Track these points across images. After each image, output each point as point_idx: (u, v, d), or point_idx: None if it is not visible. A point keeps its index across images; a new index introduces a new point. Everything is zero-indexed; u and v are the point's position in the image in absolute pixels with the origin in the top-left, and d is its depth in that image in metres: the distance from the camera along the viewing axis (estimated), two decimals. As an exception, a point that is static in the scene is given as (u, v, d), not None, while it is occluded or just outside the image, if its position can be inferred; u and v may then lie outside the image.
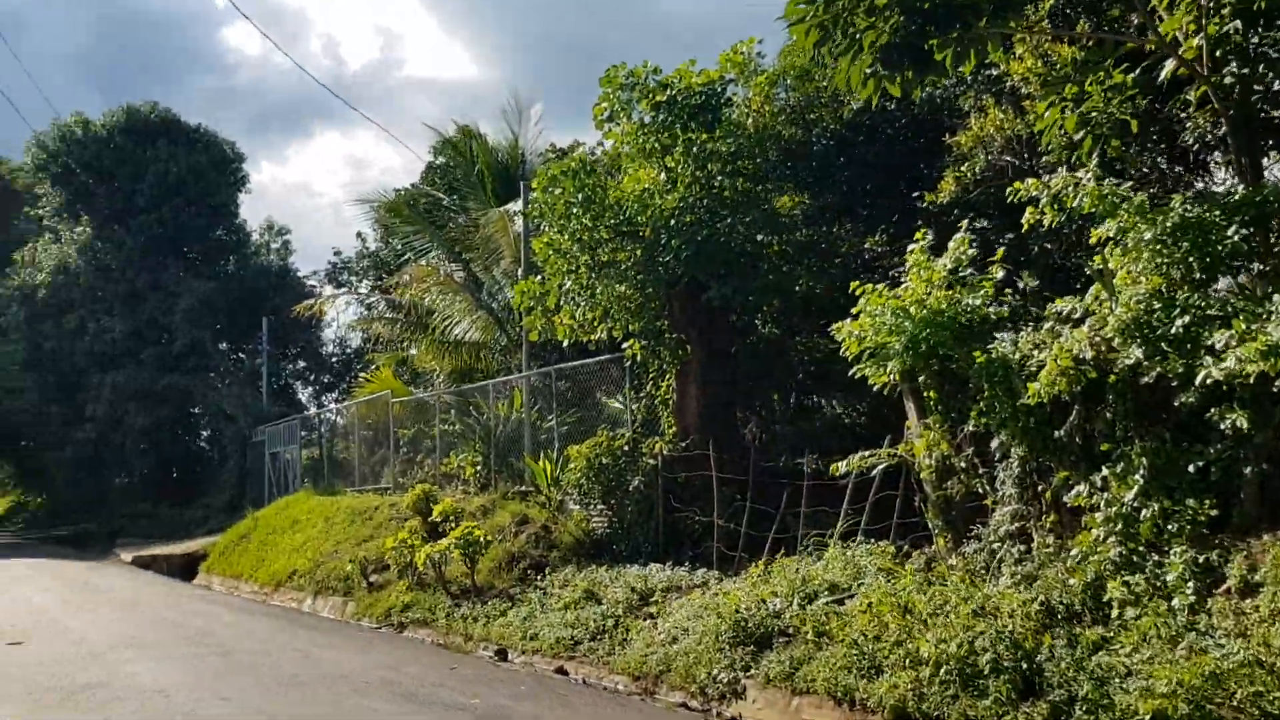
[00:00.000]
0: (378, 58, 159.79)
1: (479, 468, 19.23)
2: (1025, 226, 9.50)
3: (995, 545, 9.31)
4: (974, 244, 10.19)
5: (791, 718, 8.50)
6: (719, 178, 14.74)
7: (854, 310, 10.46)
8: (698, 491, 14.39)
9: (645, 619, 11.47)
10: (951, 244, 10.18)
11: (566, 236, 14.93)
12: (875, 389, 10.75)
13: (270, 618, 14.80)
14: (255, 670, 9.75)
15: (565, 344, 16.55)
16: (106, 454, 37.01)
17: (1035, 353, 9.04)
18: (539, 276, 15.83)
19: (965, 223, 10.54)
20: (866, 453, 10.80)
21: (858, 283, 10.79)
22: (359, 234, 38.49)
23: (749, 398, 16.10)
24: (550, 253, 15.13)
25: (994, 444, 9.40)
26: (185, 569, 24.89)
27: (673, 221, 14.19)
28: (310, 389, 40.15)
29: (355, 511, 20.77)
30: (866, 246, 15.19)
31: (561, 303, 15.45)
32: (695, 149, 14.49)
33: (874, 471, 11.05)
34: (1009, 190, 9.46)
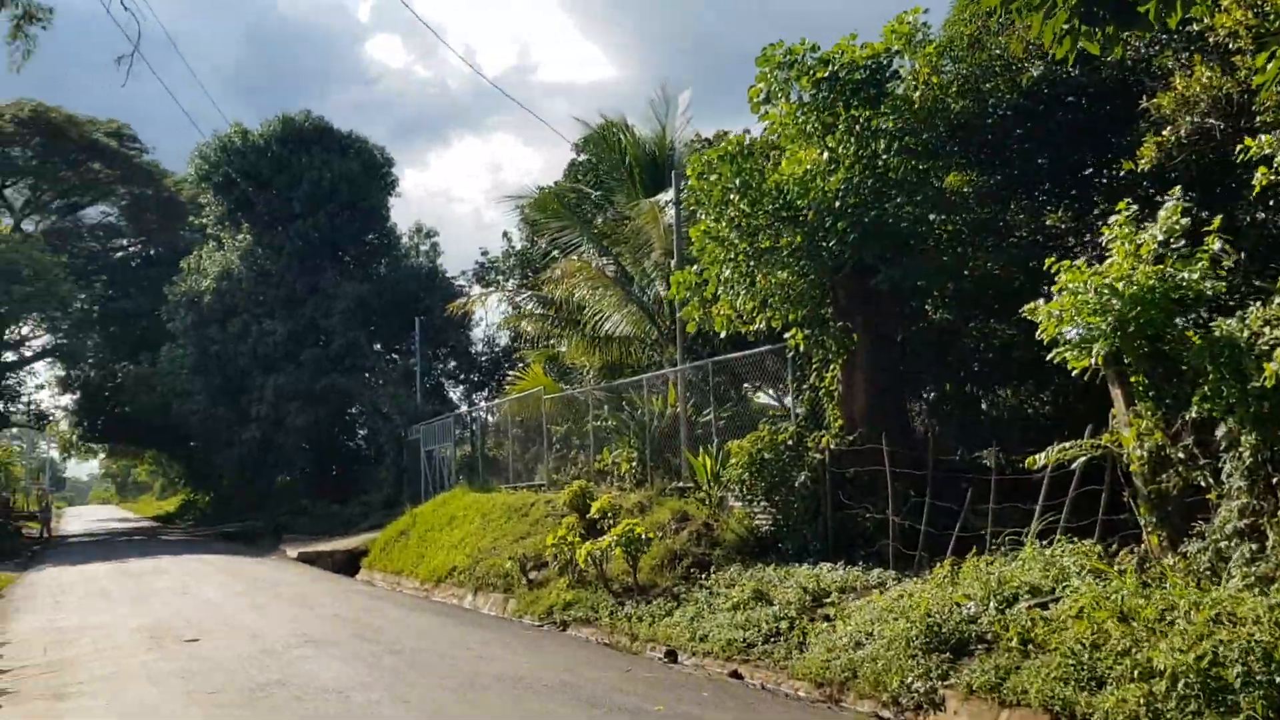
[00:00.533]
0: (515, 64, 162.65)
1: (634, 464, 18.91)
2: (1257, 189, 8.52)
3: (1222, 544, 8.38)
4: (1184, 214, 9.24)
5: (1000, 731, 7.80)
6: (885, 156, 13.96)
7: (1054, 288, 9.62)
8: (867, 487, 13.68)
9: (821, 621, 10.86)
10: (1162, 213, 9.26)
11: (724, 224, 14.40)
12: (1061, 377, 9.88)
13: (436, 615, 14.76)
14: (431, 670, 9.56)
15: (722, 336, 16.05)
16: (269, 453, 38.34)
17: (1267, 330, 8.10)
18: (695, 266, 15.35)
19: (1177, 190, 9.57)
20: (1066, 444, 9.96)
21: (1053, 259, 9.93)
22: (505, 234, 38.93)
23: (918, 388, 15.28)
24: (707, 241, 14.62)
25: (1219, 432, 8.46)
26: (347, 564, 25.39)
27: (837, 204, 13.50)
28: (460, 388, 40.77)
29: (511, 508, 20.74)
30: (1048, 224, 14.17)
31: (719, 293, 14.93)
32: (859, 127, 13.75)
33: (1074, 465, 10.18)
34: (1238, 149, 8.50)
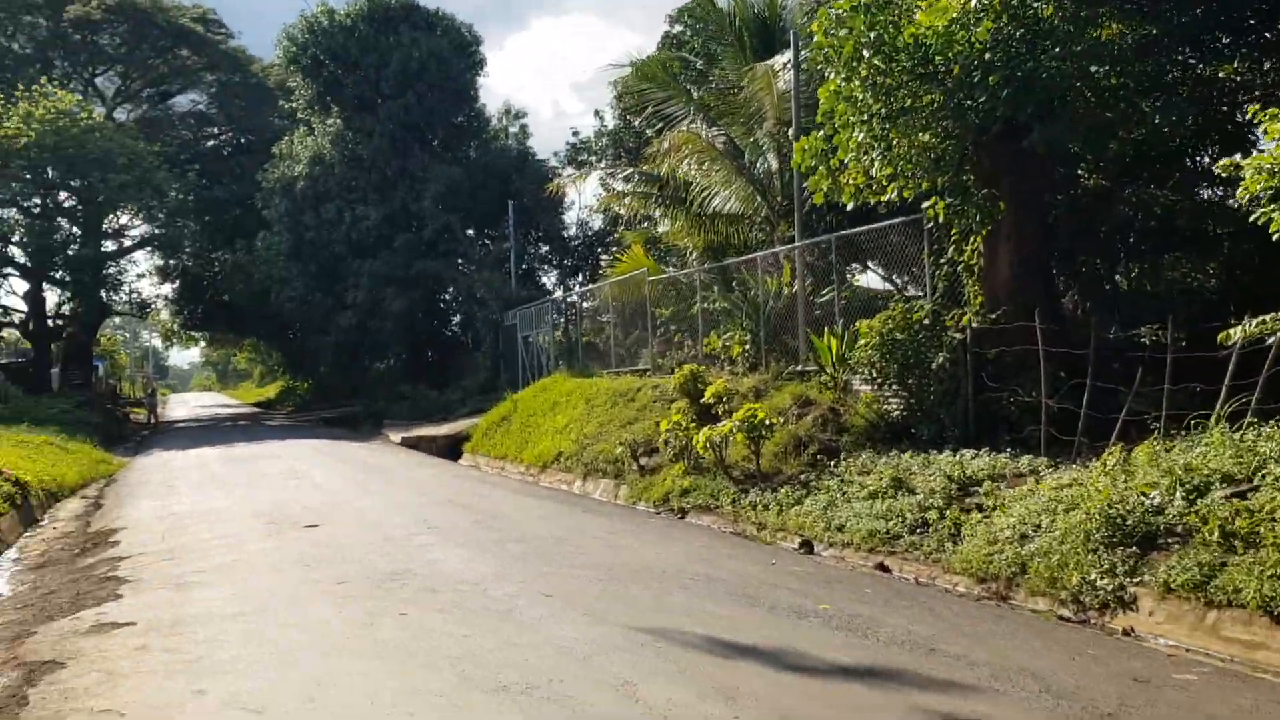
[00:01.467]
0: None
1: (747, 347, 18.08)
2: None
3: None
4: None
5: (1207, 635, 6.94)
6: (1036, 4, 12.52)
7: (1267, 138, 8.37)
8: (1011, 369, 12.66)
9: (972, 511, 10.04)
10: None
11: (856, 83, 13.16)
12: (1233, 247, 8.69)
13: (550, 501, 14.30)
14: (564, 561, 9.01)
15: (847, 208, 14.93)
16: (366, 339, 38.41)
17: None
18: (820, 132, 14.18)
19: None
20: (1265, 317, 8.83)
21: (1256, 107, 8.65)
22: (597, 113, 37.77)
23: (1069, 261, 14.07)
24: (837, 102, 13.40)
25: None
26: (449, 449, 25.27)
27: (986, 55, 12.17)
28: (554, 273, 40.16)
29: (616, 393, 20.16)
30: (1220, 76, 12.69)
31: (848, 160, 13.77)
32: (1009, -32, 12.30)
33: (1270, 340, 9.05)
34: None
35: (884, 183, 13.81)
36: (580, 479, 17.38)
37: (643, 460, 16.27)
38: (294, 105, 42.25)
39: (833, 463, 12.96)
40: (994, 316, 13.15)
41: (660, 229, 26.81)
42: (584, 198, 67.08)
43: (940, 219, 13.59)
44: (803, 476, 12.88)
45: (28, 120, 39.30)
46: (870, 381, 14.17)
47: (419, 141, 38.13)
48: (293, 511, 13.15)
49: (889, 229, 15.61)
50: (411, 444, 26.25)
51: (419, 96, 37.38)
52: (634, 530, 11.21)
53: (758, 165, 20.38)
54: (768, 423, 13.54)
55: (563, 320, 29.26)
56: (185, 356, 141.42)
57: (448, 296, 38.72)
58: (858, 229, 15.90)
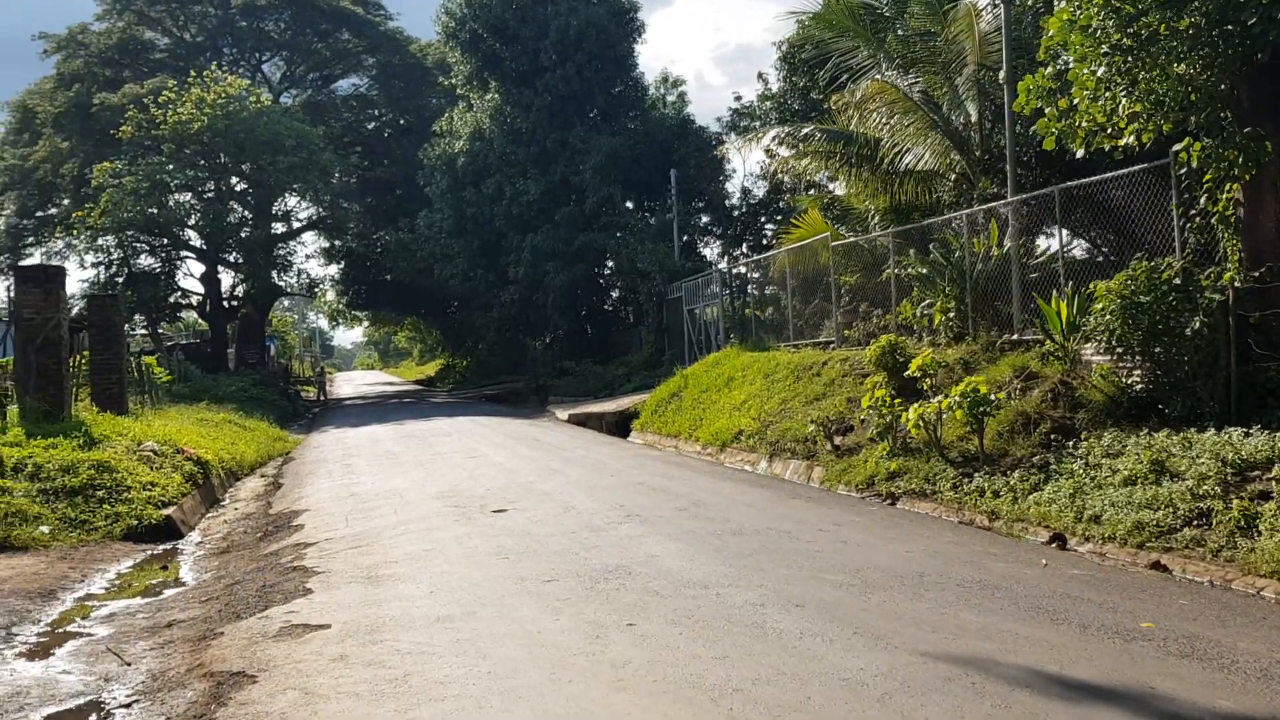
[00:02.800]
0: None
1: (950, 315, 16.47)
2: None
3: None
4: None
5: None
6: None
7: None
8: None
9: (1259, 500, 8.41)
10: None
11: (1093, 10, 11.43)
12: None
13: (745, 484, 13.10)
14: (796, 560, 7.78)
15: (1078, 155, 13.18)
16: (528, 314, 38.03)
17: None
18: (1048, 69, 12.49)
19: None
20: None
21: None
22: (760, 75, 36.15)
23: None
24: (1070, 33, 11.71)
25: None
26: (618, 426, 24.44)
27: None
28: (717, 243, 38.87)
29: (798, 368, 18.84)
30: None
31: (1084, 99, 12.04)
32: None
33: None
34: None
35: (1123, 125, 12.04)
36: (765, 459, 16.18)
37: (837, 439, 14.98)
38: (452, 82, 42.15)
39: (1070, 443, 11.36)
40: (1258, 275, 11.32)
41: (838, 191, 25.25)
42: (748, 165, 65.49)
43: (1194, 164, 11.76)
44: (1035, 459, 11.33)
45: (200, 106, 40.33)
46: (1107, 351, 12.41)
47: (578, 113, 37.36)
48: (476, 493, 12.35)
49: (1113, 181, 13.78)
50: (579, 421, 25.54)
51: (578, 67, 36.58)
52: (858, 521, 9.90)
53: (955, 117, 18.63)
54: (993, 399, 12.04)
55: (731, 291, 28.02)
56: (349, 336, 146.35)
57: (609, 270, 37.92)
58: (1085, 180, 14.09)
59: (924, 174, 19.80)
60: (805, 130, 20.57)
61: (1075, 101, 12.12)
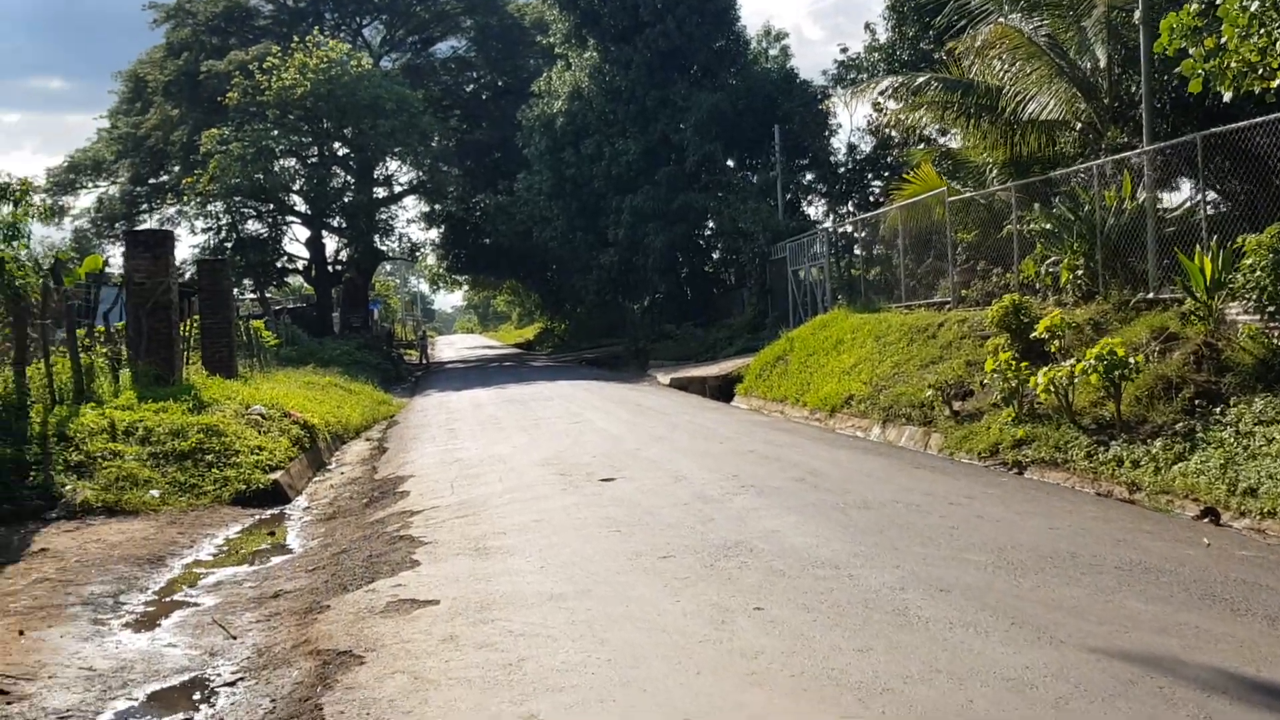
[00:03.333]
0: None
1: (1078, 273, 15.49)
2: None
3: None
4: None
5: None
6: None
7: None
8: None
9: None
10: None
11: (1255, -68, 10.38)
12: None
13: (861, 452, 12.49)
14: (932, 537, 7.19)
15: (1225, 99, 12.12)
16: (628, 276, 37.61)
17: None
18: (1193, 4, 11.46)
19: None
20: None
21: None
22: (867, 25, 34.75)
23: None
24: (1224, -36, 10.68)
25: None
26: (721, 390, 23.96)
27: None
28: (821, 202, 37.83)
29: (911, 329, 18.07)
30: None
31: (1233, 38, 11.01)
32: None
33: None
34: None
35: (1276, 65, 10.99)
36: (878, 425, 15.53)
37: (956, 405, 14.26)
38: (550, 41, 41.69)
39: (1217, 410, 10.50)
40: None
41: (952, 145, 24.14)
42: (854, 120, 63.92)
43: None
44: (1179, 426, 10.50)
45: (303, 71, 40.69)
46: (1257, 310, 11.45)
47: (678, 69, 36.55)
48: (581, 460, 11.99)
49: (1259, 127, 12.68)
50: (681, 385, 25.10)
51: (678, 21, 35.73)
52: (991, 493, 9.24)
53: (1082, 62, 17.48)
54: (1130, 361, 11.22)
55: (837, 251, 27.16)
56: (449, 300, 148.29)
57: (710, 231, 37.23)
58: (1232, 125, 12.98)
59: (1047, 124, 18.70)
60: (920, 80, 19.56)
61: (1224, 40, 11.10)
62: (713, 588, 6.03)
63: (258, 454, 12.67)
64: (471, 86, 56.00)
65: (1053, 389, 11.89)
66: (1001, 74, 18.02)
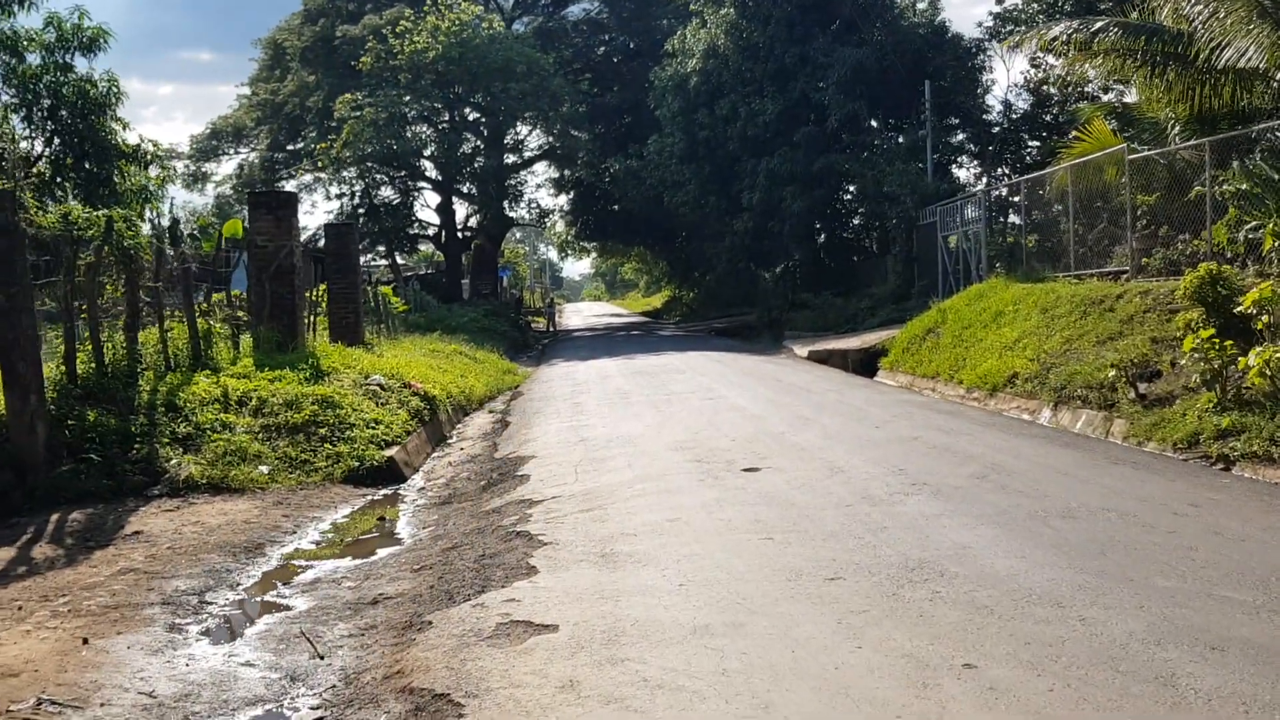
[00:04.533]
0: None
1: (1288, 239, 13.48)
2: None
3: None
4: None
5: None
6: None
7: None
8: None
9: None
10: None
11: None
12: None
13: (1046, 443, 10.84)
14: (1161, 558, 5.70)
15: None
16: (762, 243, 36.00)
17: None
18: None
19: None
20: None
21: None
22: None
23: None
24: None
25: None
26: (863, 365, 22.38)
27: None
28: (974, 164, 35.48)
29: (1084, 301, 16.24)
30: None
31: None
32: None
33: None
34: None
35: None
36: (1048, 407, 13.86)
37: (1141, 387, 12.55)
38: (685, -1, 40.22)
39: None
40: None
41: (1128, 99, 21.92)
42: (1011, 76, 60.52)
43: None
44: None
45: (434, 34, 40.24)
46: None
47: (820, 23, 34.58)
48: (719, 444, 10.77)
49: None
50: (820, 358, 23.61)
51: (820, -29, 33.80)
52: (1218, 500, 7.61)
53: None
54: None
55: (992, 216, 25.14)
56: (577, 268, 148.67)
57: (850, 195, 35.32)
58: None
59: (1244, 74, 16.51)
60: (1098, 25, 17.51)
61: None
62: (901, 629, 4.74)
63: (374, 428, 11.86)
64: (603, 49, 54.84)
65: (1268, 371, 10.17)
66: (1193, 15, 15.90)
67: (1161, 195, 17.59)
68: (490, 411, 17.32)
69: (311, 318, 19.99)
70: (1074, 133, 20.69)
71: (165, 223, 21.00)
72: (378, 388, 13.59)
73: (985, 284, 21.66)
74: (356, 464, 10.76)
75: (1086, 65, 18.43)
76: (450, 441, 14.14)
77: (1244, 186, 15.28)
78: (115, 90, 20.03)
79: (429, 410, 14.28)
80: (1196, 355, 11.29)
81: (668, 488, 8.51)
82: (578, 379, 20.87)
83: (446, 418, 15.41)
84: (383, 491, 10.36)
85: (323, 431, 11.27)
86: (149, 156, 20.93)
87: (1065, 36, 18.09)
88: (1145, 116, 20.57)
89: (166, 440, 10.21)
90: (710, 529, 6.96)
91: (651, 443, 11.18)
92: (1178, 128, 19.29)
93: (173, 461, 9.86)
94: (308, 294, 20.57)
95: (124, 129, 20.74)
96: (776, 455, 9.80)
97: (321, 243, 28.84)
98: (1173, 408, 11.56)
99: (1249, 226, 14.60)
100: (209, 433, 10.55)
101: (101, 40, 20.09)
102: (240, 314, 16.05)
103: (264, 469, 10.17)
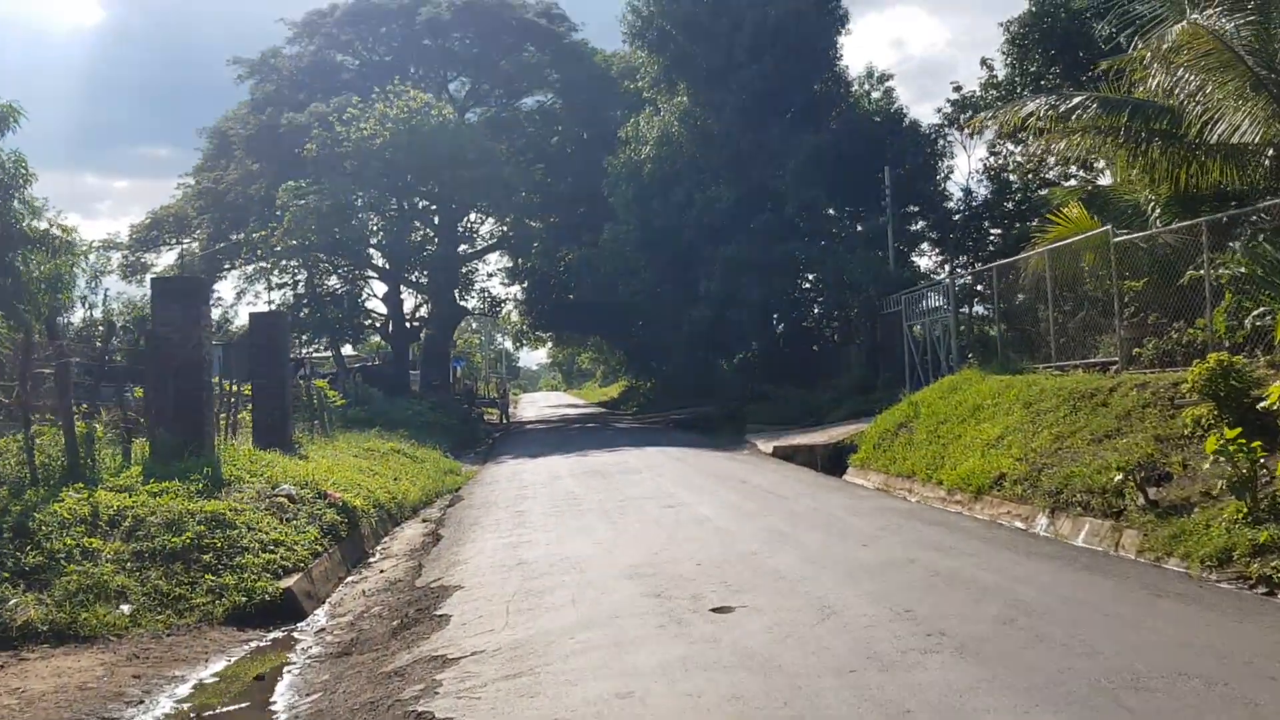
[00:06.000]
0: None
1: (1305, 326, 12.26)
2: None
3: None
4: None
5: None
6: None
7: None
8: None
9: None
10: None
11: None
12: None
13: (1063, 566, 9.13)
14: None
15: None
16: (720, 332, 34.66)
17: None
18: None
19: None
20: None
21: None
22: (984, 61, 31.76)
23: None
24: None
25: None
26: (832, 461, 20.89)
27: None
28: (935, 252, 34.63)
29: (1072, 395, 14.90)
30: None
31: None
32: None
33: None
34: None
35: None
36: (1043, 514, 12.38)
37: (1151, 491, 11.14)
38: (638, 85, 39.47)
39: None
40: None
41: (1102, 180, 20.98)
42: (971, 162, 60.69)
43: None
44: None
45: (383, 121, 39.13)
46: None
47: (775, 111, 33.83)
48: (683, 570, 9.05)
49: None
50: (785, 455, 22.08)
51: (775, 61, 33.05)
52: (1250, 632, 6.11)
53: (1284, 68, 14.29)
54: None
55: (957, 304, 23.98)
56: (534, 358, 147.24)
57: (810, 282, 34.23)
58: None
59: (1233, 150, 15.53)
60: (1075, 100, 16.51)
61: None
62: None
63: (272, 551, 10.03)
64: (556, 139, 54.10)
65: (1307, 479, 8.78)
66: (1181, 89, 14.89)
67: (1150, 281, 16.44)
68: (424, 520, 15.48)
69: (231, 416, 18.17)
70: (1049, 215, 19.61)
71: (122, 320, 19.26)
72: (285, 500, 11.76)
73: (958, 376, 20.36)
74: (244, 599, 8.92)
75: (1064, 143, 17.39)
76: (371, 560, 12.29)
77: (1243, 269, 14.17)
78: (23, 171, 18.55)
79: (347, 524, 12.43)
80: (1220, 458, 9.90)
81: (620, 638, 6.77)
82: (524, 480, 19.10)
83: (370, 531, 13.56)
84: (273, 635, 8.51)
85: (207, 558, 9.43)
86: (58, 243, 19.34)
87: (1041, 112, 17.06)
88: (1122, 199, 19.61)
89: (8, 574, 8.34)
90: (672, 712, 5.24)
91: (602, 568, 9.43)
92: (1158, 210, 18.31)
93: (10, 603, 7.99)
94: (231, 389, 18.80)
95: (32, 213, 19.19)
96: (752, 587, 8.10)
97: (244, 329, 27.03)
98: (1192, 517, 10.13)
99: (1256, 313, 13.42)
100: (64, 563, 8.69)
101: (12, 119, 18.68)
102: (141, 416, 14.23)
103: (125, 609, 8.31)
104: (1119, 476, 11.38)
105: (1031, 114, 17.33)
